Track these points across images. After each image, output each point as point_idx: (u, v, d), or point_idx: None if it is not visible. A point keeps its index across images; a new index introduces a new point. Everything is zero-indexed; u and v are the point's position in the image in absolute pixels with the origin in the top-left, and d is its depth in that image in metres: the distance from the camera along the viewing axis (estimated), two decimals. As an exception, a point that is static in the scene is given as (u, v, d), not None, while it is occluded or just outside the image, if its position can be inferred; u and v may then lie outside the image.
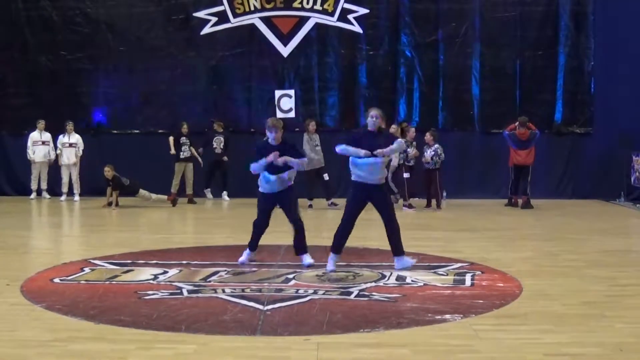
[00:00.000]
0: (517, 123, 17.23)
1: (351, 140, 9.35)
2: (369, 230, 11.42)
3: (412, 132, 17.24)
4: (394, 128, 16.91)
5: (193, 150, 18.30)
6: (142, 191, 17.29)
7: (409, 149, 16.63)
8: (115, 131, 19.59)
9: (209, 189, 18.89)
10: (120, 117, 19.57)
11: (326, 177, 17.02)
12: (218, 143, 18.56)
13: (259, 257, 9.88)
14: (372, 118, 9.30)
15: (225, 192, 18.76)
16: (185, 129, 18.20)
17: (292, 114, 18.36)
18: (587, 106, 19.25)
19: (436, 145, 17.02)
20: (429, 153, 16.98)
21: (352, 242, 10.10)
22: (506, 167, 17.82)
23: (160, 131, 19.24)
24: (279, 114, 18.20)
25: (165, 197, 17.63)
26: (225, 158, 18.55)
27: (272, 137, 9.57)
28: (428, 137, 17.17)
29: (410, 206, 16.68)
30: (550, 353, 5.96)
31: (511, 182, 17.58)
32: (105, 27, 19.43)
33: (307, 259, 9.63)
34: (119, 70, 19.54)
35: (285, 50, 19.35)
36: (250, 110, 19.51)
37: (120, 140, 19.41)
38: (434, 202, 17.03)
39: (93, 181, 18.45)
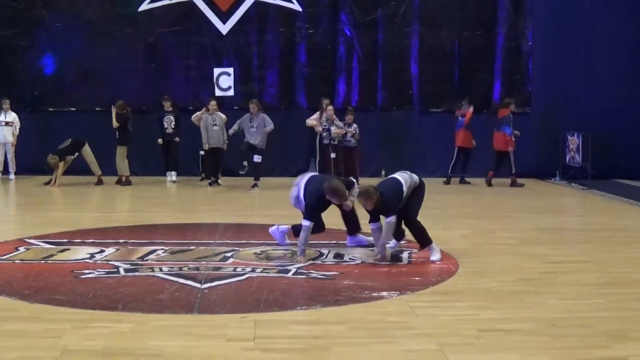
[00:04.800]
0: (465, 107, 17.57)
1: None
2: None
3: (329, 110, 17.20)
4: (330, 110, 16.91)
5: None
6: (87, 147, 17.08)
7: (331, 128, 16.83)
8: (51, 109, 19.19)
9: (170, 172, 17.94)
10: (57, 95, 19.16)
11: (256, 158, 16.42)
12: (169, 123, 17.85)
13: (198, 236, 9.80)
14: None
15: (174, 173, 17.84)
16: (118, 108, 17.35)
17: (230, 92, 18.23)
18: (525, 86, 19.42)
19: (355, 125, 17.16)
20: (350, 131, 17.17)
21: (291, 219, 10.03)
22: (445, 145, 17.88)
23: (97, 109, 18.92)
24: (218, 92, 18.04)
25: (100, 171, 17.27)
26: (177, 139, 17.87)
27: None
28: (348, 116, 17.26)
29: None
30: (485, 329, 6.06)
31: (456, 163, 17.75)
32: (40, 2, 18.96)
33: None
34: (55, 47, 19.13)
35: (224, 28, 19.13)
36: (188, 88, 19.21)
37: (56, 118, 19.02)
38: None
39: (29, 160, 18.14)
